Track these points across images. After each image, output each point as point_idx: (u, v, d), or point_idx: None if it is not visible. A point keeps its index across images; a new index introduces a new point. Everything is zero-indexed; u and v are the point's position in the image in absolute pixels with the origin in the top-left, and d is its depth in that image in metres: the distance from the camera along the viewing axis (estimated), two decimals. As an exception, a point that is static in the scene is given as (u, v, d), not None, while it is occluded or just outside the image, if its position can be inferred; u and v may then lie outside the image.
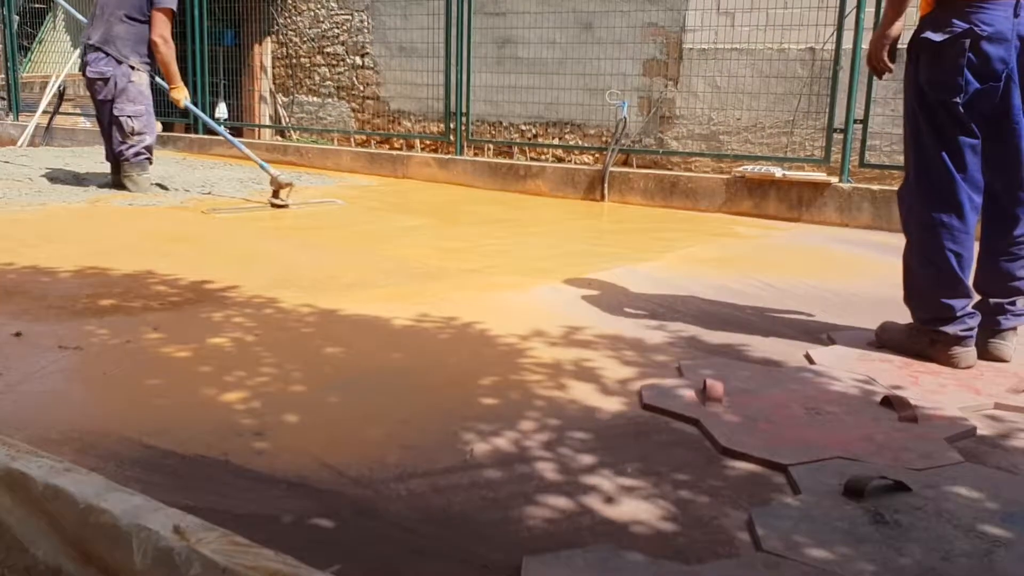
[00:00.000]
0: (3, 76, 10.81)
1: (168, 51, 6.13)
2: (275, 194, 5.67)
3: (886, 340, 2.92)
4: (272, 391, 2.35)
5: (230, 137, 6.82)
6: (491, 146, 9.02)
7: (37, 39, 11.49)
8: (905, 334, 2.87)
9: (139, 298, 3.27)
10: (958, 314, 2.71)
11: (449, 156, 7.90)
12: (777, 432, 2.14)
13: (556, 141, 8.81)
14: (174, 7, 6.10)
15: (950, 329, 2.72)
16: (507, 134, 9.11)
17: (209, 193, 6.33)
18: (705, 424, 2.17)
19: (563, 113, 8.64)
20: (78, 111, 10.30)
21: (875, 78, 5.87)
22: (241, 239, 4.69)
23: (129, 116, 6.05)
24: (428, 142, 9.16)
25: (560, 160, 8.63)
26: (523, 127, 9.04)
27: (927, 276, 2.77)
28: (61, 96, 9.79)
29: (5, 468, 1.58)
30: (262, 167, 6.11)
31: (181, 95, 6.25)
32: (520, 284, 3.75)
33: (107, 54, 5.98)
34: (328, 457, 1.94)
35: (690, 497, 1.81)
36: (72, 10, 8.06)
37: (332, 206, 5.95)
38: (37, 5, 11.36)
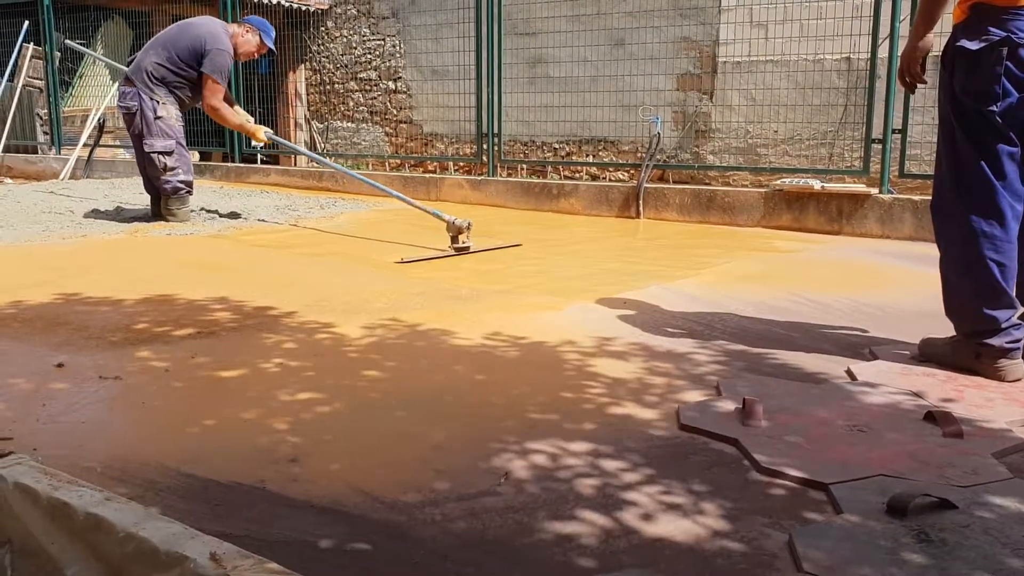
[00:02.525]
0: (46, 111, 11.07)
1: (221, 116, 6.13)
2: (454, 239, 5.16)
3: (929, 355, 2.86)
4: (307, 416, 2.36)
5: (372, 182, 6.57)
6: (524, 166, 9.05)
7: (78, 74, 11.76)
8: (949, 348, 2.81)
9: (177, 326, 3.30)
10: (1003, 326, 2.65)
11: (482, 177, 7.93)
12: (818, 450, 2.10)
13: (590, 159, 8.81)
14: (218, 77, 6.05)
15: (995, 341, 2.66)
16: (540, 153, 9.13)
17: (246, 220, 6.41)
18: (744, 443, 2.13)
19: (596, 130, 8.64)
20: (117, 143, 10.52)
21: (912, 87, 5.84)
22: (275, 266, 4.73)
23: (159, 152, 6.05)
24: (461, 164, 9.21)
25: (594, 178, 8.62)
26: (556, 146, 9.06)
27: (968, 288, 2.71)
28: (101, 129, 10.00)
29: (47, 497, 1.60)
30: (434, 214, 5.48)
31: (260, 134, 6.18)
32: (555, 304, 3.74)
33: (134, 85, 6.06)
34: (363, 482, 1.94)
35: (729, 518, 1.78)
36: (109, 61, 8.29)
37: (510, 249, 5.35)
38: (78, 41, 11.63)
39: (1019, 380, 2.65)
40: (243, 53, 6.26)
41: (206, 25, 6.15)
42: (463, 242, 5.16)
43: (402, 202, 6.01)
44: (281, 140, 6.75)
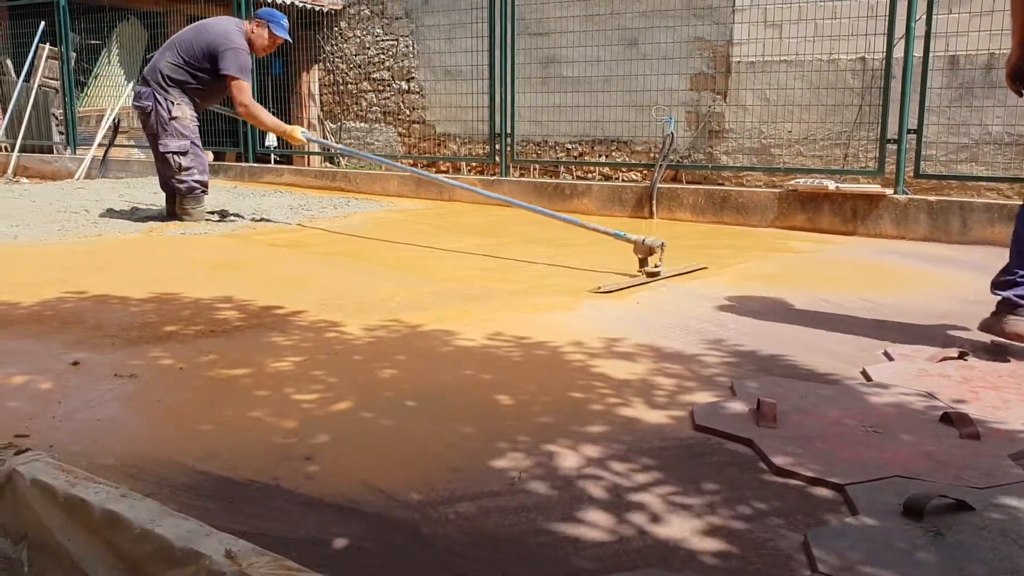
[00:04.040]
0: (61, 111, 11.14)
1: (254, 115, 6.10)
2: (643, 262, 4.40)
3: (985, 327, 3.04)
4: (322, 414, 2.36)
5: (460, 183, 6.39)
6: (537, 166, 9.04)
7: (93, 74, 11.83)
8: (991, 317, 3.02)
9: (192, 325, 3.32)
10: (1019, 279, 2.89)
11: (495, 177, 7.93)
12: (833, 451, 2.09)
13: (603, 159, 8.80)
14: (240, 75, 6.02)
15: (1010, 293, 2.91)
16: (553, 153, 9.13)
17: (260, 219, 6.43)
18: (759, 444, 2.13)
19: (609, 130, 8.64)
20: (132, 143, 10.57)
21: (928, 87, 5.82)
22: (288, 265, 4.75)
23: (174, 152, 6.08)
24: (474, 164, 9.22)
25: (607, 178, 8.62)
26: (569, 146, 9.06)
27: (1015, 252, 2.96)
28: (116, 129, 10.05)
29: (64, 494, 1.61)
30: (617, 236, 4.68)
31: (296, 134, 6.07)
32: (568, 304, 3.73)
33: (149, 86, 6.09)
34: (377, 480, 1.94)
35: (744, 519, 1.77)
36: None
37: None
38: (93, 41, 11.70)
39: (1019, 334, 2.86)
40: (258, 48, 6.22)
41: (220, 25, 6.15)
42: (654, 265, 4.38)
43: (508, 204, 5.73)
44: (321, 140, 6.68)
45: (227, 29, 6.09)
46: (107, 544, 1.53)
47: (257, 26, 6.22)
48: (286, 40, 6.37)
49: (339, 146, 7.08)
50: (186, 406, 2.46)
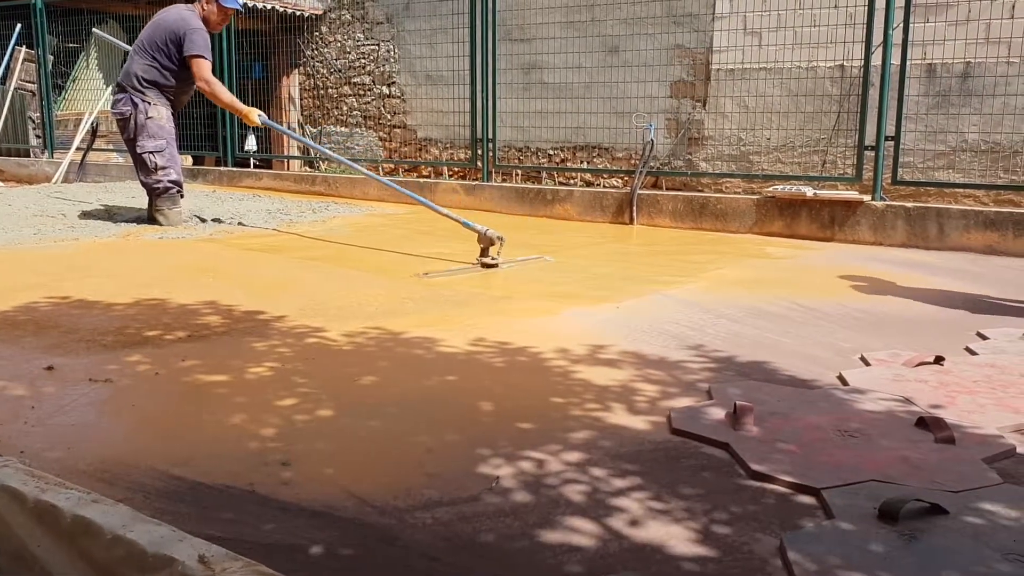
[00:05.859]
0: (38, 114, 11.04)
1: (213, 91, 6.07)
2: (484, 252, 4.80)
3: None
4: (297, 420, 2.35)
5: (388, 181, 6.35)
6: (519, 171, 9.05)
7: (71, 78, 11.73)
8: None
9: (169, 330, 3.29)
10: None
11: (476, 182, 7.93)
12: (809, 455, 2.10)
13: (584, 165, 8.83)
14: (202, 53, 6.00)
15: None
16: (535, 159, 9.14)
17: (238, 224, 6.39)
18: (735, 448, 2.13)
19: (591, 137, 8.66)
20: (110, 147, 10.49)
21: (906, 94, 5.86)
22: (267, 270, 4.72)
23: (151, 152, 6.06)
24: (456, 169, 9.21)
25: (588, 184, 8.64)
26: (551, 152, 9.07)
27: None
28: (94, 132, 9.97)
29: (34, 500, 1.59)
30: (465, 224, 5.08)
31: (253, 116, 6.01)
32: (549, 309, 3.73)
33: (125, 91, 6.06)
34: (354, 486, 1.93)
35: (720, 523, 1.77)
36: (116, 41, 8.20)
37: (540, 262, 4.98)
38: (71, 45, 11.61)
39: None
40: (214, 23, 6.19)
41: (174, 11, 6.14)
42: (493, 257, 4.78)
43: (418, 205, 5.81)
44: (276, 124, 6.63)
45: (181, 14, 6.10)
46: (78, 550, 1.52)
47: (207, 3, 6.20)
48: (237, 10, 6.34)
49: (307, 141, 7.00)
50: (162, 411, 2.44)
